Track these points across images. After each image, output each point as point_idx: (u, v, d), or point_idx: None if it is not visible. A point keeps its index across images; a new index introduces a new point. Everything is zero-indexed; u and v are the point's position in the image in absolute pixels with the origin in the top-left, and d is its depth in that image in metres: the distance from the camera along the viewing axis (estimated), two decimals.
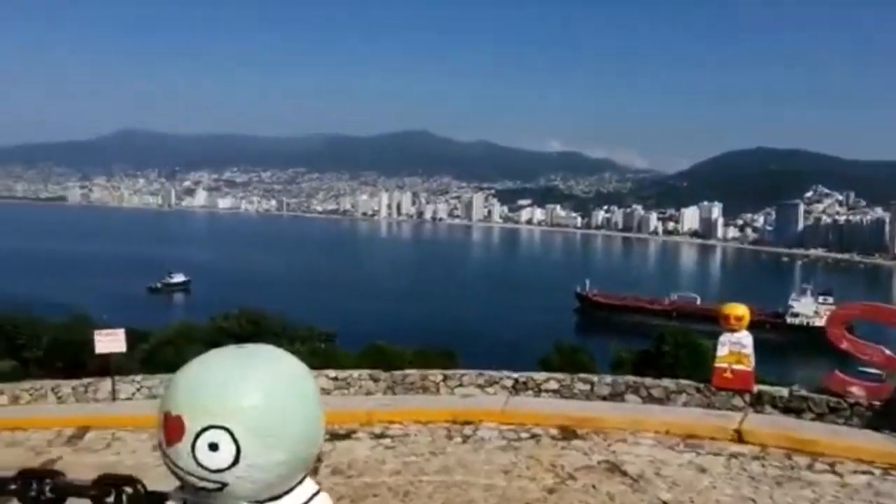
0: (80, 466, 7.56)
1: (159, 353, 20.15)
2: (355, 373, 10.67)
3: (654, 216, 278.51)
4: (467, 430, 8.92)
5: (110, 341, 10.18)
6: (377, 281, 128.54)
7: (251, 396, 1.34)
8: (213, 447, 1.32)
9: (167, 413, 1.37)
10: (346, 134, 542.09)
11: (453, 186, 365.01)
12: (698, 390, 9.49)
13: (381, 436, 8.72)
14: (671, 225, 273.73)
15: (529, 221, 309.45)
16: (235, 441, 1.32)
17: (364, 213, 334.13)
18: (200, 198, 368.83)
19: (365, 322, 61.84)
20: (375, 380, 10.49)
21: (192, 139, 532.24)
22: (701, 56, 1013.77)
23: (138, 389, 10.72)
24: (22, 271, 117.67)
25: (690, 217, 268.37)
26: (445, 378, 10.49)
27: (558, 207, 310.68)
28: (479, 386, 10.34)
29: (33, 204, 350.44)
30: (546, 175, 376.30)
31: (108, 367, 10.75)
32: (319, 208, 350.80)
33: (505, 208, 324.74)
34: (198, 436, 1.32)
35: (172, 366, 12.89)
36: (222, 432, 1.32)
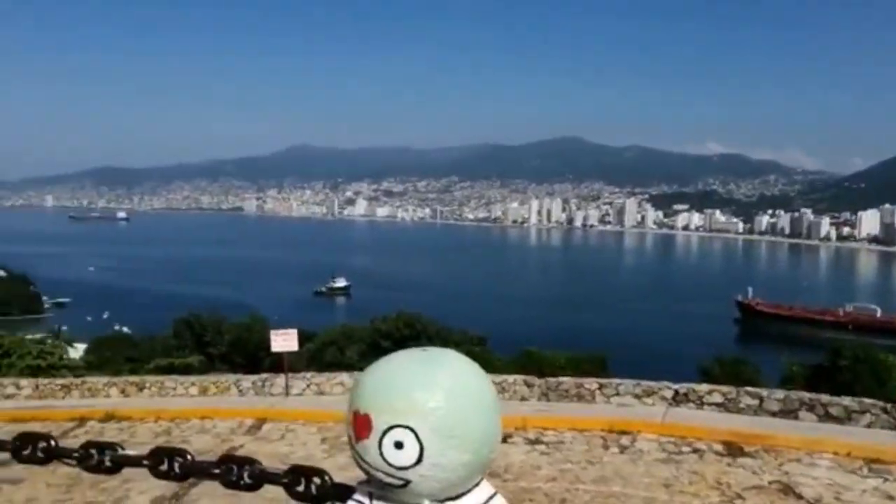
0: (260, 455, 8.20)
1: (324, 352, 21.41)
2: (510, 377, 10.75)
3: (825, 221, 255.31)
4: (624, 440, 8.69)
5: (284, 340, 10.98)
6: (526, 287, 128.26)
7: (435, 398, 1.37)
8: (399, 445, 1.36)
9: (356, 411, 1.44)
10: (500, 143, 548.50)
11: (605, 192, 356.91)
12: (885, 411, 8.61)
13: (536, 441, 8.70)
14: (846, 230, 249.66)
15: (686, 227, 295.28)
16: (419, 440, 1.35)
17: (514, 221, 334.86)
18: (360, 207, 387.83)
19: (515, 327, 61.83)
20: (530, 385, 10.50)
21: (353, 152, 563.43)
22: (881, 45, 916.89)
23: (308, 386, 11.47)
24: (208, 275, 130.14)
25: (869, 221, 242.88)
26: (601, 386, 10.29)
27: (718, 212, 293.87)
28: (637, 396, 10.04)
29: (216, 214, 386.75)
30: (704, 178, 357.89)
31: (282, 364, 11.60)
32: (471, 216, 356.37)
33: (660, 214, 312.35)
34: (384, 434, 1.37)
35: (336, 364, 13.78)
36: (407, 431, 1.35)
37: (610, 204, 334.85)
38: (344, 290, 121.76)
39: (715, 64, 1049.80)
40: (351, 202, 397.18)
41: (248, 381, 11.79)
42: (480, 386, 1.47)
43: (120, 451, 2.19)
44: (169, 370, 16.80)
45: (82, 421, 10.39)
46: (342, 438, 9.18)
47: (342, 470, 1.61)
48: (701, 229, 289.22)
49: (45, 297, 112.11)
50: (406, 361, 1.49)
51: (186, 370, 16.76)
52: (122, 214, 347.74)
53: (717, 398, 9.65)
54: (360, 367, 14.65)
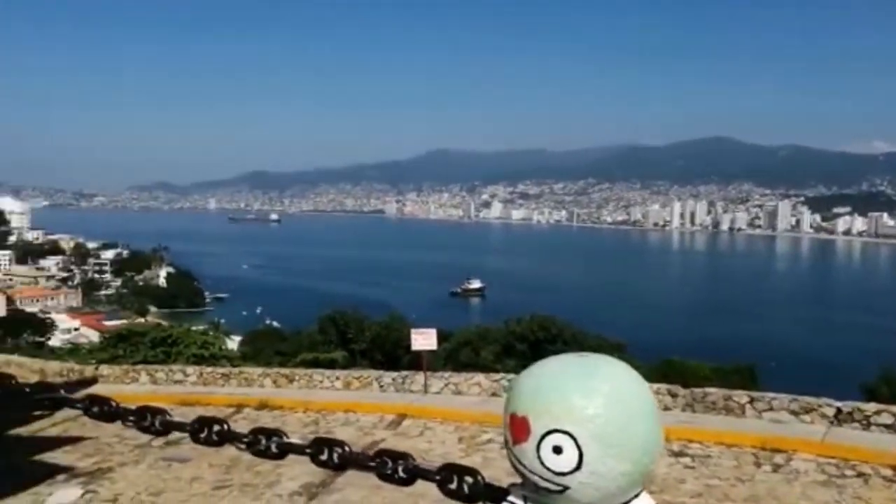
0: (401, 450, 8.45)
1: (459, 352, 21.76)
2: (653, 386, 10.36)
3: None
4: (778, 458, 8.12)
5: (424, 340, 11.27)
6: (667, 293, 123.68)
7: (594, 404, 1.34)
8: (557, 450, 1.33)
9: (513, 414, 1.42)
10: (640, 144, 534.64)
11: (754, 194, 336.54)
12: None
13: (680, 454, 8.34)
14: None
15: (847, 232, 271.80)
16: (578, 447, 1.32)
17: (655, 224, 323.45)
18: (496, 209, 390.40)
19: (654, 335, 59.88)
20: (673, 395, 10.08)
21: (490, 156, 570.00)
22: None
23: (446, 385, 11.67)
24: (350, 274, 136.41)
25: None
26: (752, 400, 9.68)
27: (885, 216, 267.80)
28: (793, 412, 9.35)
29: (359, 216, 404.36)
30: (869, 179, 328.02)
31: (421, 362, 11.89)
32: (609, 219, 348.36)
33: (817, 217, 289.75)
34: (542, 438, 1.35)
35: (471, 365, 13.94)
36: (566, 437, 1.33)
37: (760, 207, 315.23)
38: (479, 292, 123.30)
39: (881, 58, 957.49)
40: (487, 205, 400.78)
41: (388, 377, 12.18)
42: (641, 394, 1.43)
43: (284, 439, 2.35)
44: (314, 364, 17.73)
45: (239, 408, 11.19)
46: (478, 438, 9.27)
47: (480, 470, 1.63)
48: (865, 234, 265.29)
49: (206, 293, 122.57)
50: (565, 366, 1.46)
51: (330, 364, 17.62)
52: (273, 216, 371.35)
53: (887, 419, 8.78)
54: (496, 369, 14.70)
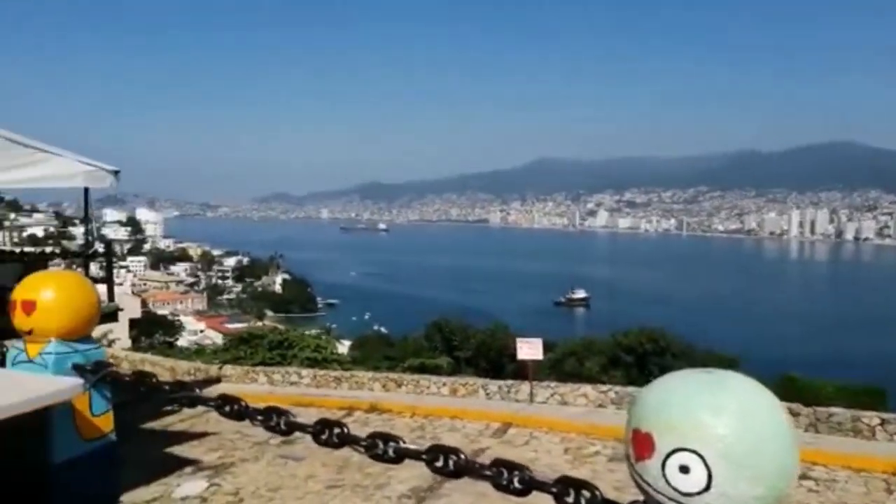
0: (517, 461, 8.42)
1: (563, 363, 21.49)
2: None
3: None
4: None
5: (529, 349, 11.21)
6: (786, 305, 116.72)
7: (725, 423, 1.31)
8: (684, 470, 1.32)
9: (636, 429, 1.41)
10: (755, 149, 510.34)
11: (883, 201, 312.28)
12: None
13: (803, 476, 7.85)
14: None
15: None
16: (707, 467, 1.30)
17: (771, 233, 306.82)
18: (602, 218, 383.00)
19: (771, 350, 56.76)
20: (795, 414, 9.51)
21: (595, 164, 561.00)
22: None
23: (552, 395, 11.54)
24: (455, 282, 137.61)
25: None
26: (883, 422, 8.99)
27: None
28: None
29: (464, 225, 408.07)
30: None
31: (526, 371, 11.82)
32: (721, 227, 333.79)
33: None
34: (668, 456, 1.34)
35: (576, 375, 13.63)
36: (694, 456, 1.31)
37: (890, 215, 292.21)
38: (583, 302, 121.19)
39: None
40: (592, 214, 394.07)
41: (494, 385, 12.17)
42: (773, 412, 1.38)
43: (402, 444, 2.43)
44: (421, 370, 17.97)
45: (350, 410, 11.50)
46: (585, 450, 9.10)
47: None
48: None
49: (318, 298, 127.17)
50: (691, 382, 1.43)
51: (436, 370, 17.81)
52: (382, 226, 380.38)
53: None
54: (601, 380, 14.39)
